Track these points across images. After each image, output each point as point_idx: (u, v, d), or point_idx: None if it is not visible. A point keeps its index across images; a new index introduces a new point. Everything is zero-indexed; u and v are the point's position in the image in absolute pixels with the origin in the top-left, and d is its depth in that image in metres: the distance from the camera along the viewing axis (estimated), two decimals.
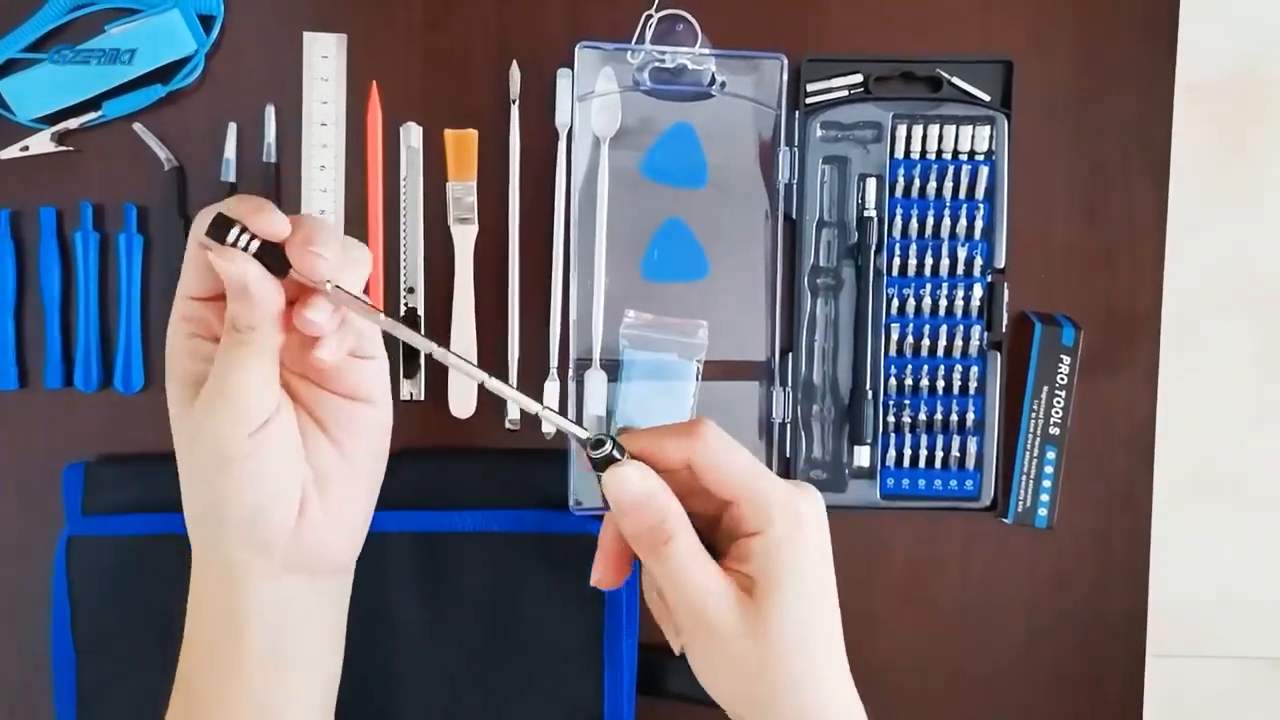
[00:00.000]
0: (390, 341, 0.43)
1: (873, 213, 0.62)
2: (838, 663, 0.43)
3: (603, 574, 0.44)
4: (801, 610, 0.41)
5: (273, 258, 0.39)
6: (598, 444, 0.41)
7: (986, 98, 0.62)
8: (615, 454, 0.41)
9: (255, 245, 0.39)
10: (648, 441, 0.42)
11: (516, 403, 0.42)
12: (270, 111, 0.62)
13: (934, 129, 0.62)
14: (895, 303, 0.63)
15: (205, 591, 0.43)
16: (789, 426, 0.63)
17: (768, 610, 0.41)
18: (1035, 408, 0.62)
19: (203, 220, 0.40)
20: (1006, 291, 0.62)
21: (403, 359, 0.61)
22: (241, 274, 0.38)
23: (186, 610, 0.44)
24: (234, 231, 0.39)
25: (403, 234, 0.62)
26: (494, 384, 0.42)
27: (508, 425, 0.62)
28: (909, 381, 0.63)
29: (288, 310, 0.40)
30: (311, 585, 0.44)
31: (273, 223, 0.39)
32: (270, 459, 0.41)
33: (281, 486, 0.42)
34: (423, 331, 0.61)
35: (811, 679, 0.42)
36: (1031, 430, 0.62)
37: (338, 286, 0.40)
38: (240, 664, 0.43)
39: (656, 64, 0.62)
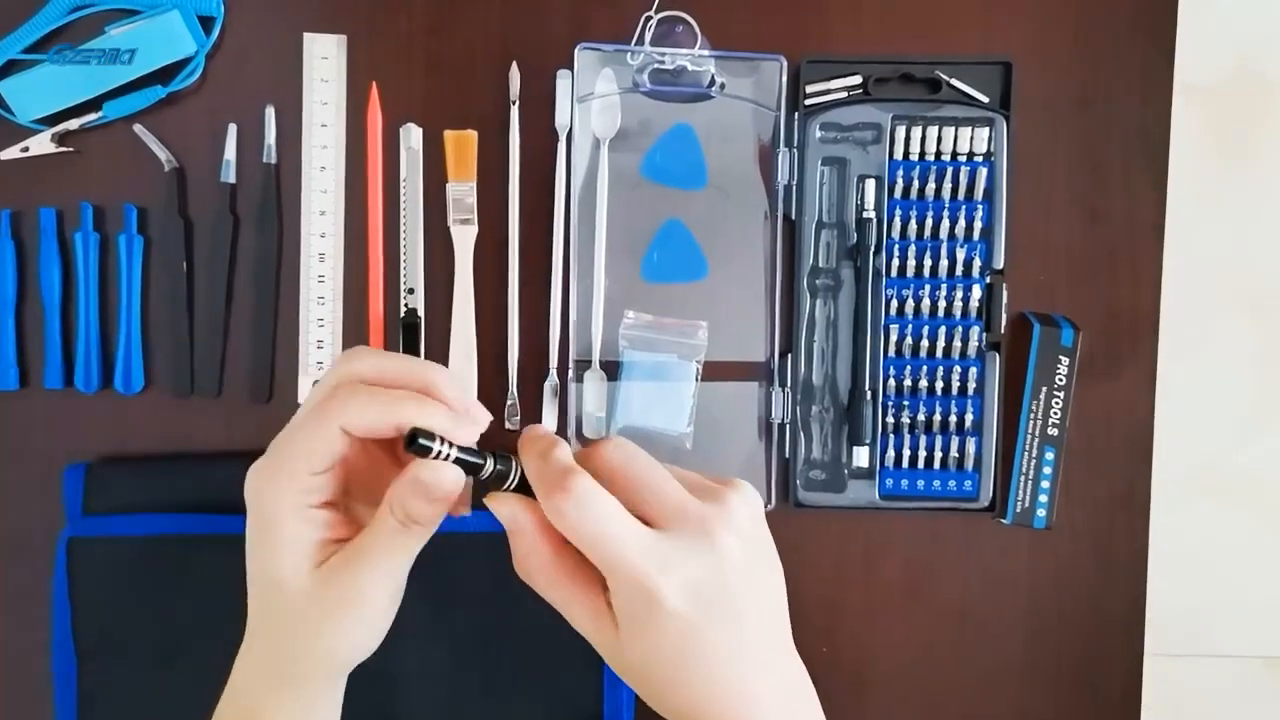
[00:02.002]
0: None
1: (872, 214, 0.62)
2: (726, 681, 0.40)
3: None
4: (662, 652, 0.40)
5: (471, 454, 0.40)
6: (475, 468, 0.41)
7: (985, 99, 0.62)
8: (502, 471, 0.41)
9: (455, 452, 0.40)
10: (534, 478, 0.41)
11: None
12: (270, 112, 0.62)
13: (933, 130, 0.62)
14: (894, 303, 0.63)
15: (274, 703, 0.44)
16: (788, 427, 0.63)
17: (628, 647, 0.40)
18: (1034, 408, 0.62)
19: (345, 387, 0.40)
20: (1005, 292, 0.62)
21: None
22: (453, 486, 0.40)
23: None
24: (437, 444, 0.39)
25: (403, 235, 0.62)
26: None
27: (507, 426, 0.62)
28: (908, 382, 0.63)
29: None
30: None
31: (475, 431, 0.41)
32: (394, 599, 0.43)
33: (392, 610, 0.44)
34: (423, 333, 0.62)
35: (688, 700, 0.40)
36: (1030, 431, 0.62)
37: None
38: None
39: (656, 65, 0.62)
